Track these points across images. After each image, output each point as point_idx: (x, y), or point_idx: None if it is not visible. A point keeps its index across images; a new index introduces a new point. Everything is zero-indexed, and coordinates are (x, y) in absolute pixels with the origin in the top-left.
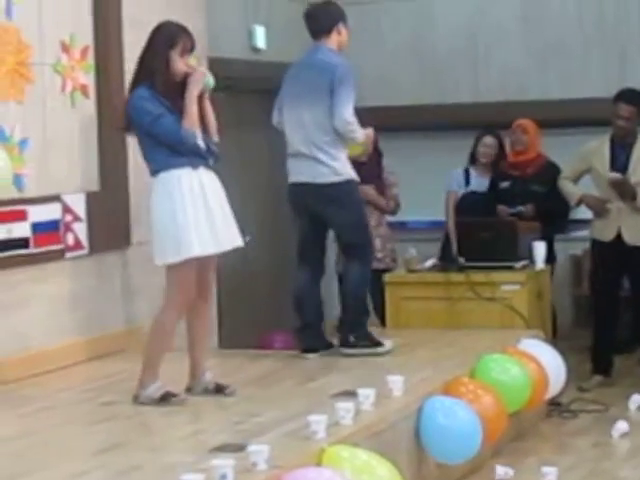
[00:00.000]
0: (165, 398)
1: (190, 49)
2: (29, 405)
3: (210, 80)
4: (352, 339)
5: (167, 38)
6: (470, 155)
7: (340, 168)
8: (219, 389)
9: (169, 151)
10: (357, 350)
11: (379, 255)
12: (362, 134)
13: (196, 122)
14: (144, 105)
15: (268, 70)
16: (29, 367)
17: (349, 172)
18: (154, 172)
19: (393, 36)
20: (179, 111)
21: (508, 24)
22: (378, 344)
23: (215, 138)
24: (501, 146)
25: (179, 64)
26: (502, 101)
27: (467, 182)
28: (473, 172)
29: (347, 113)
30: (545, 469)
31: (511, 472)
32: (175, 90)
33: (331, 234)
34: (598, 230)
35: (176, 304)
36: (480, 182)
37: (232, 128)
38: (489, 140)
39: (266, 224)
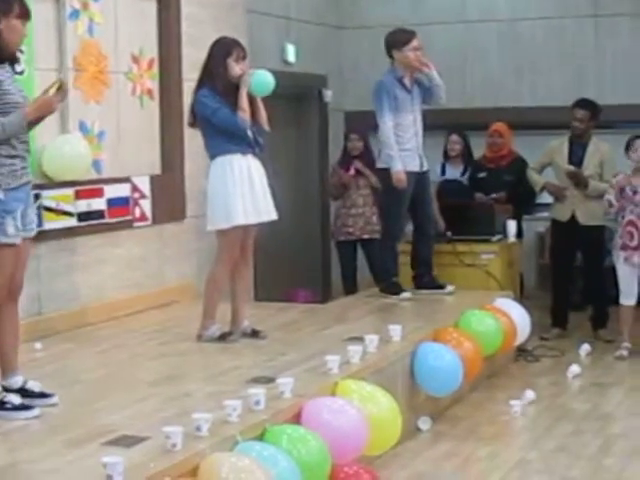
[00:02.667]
0: (223, 337)
1: (243, 57)
2: (103, 344)
3: (253, 78)
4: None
5: (225, 48)
6: (443, 152)
7: None
8: (254, 333)
9: (225, 140)
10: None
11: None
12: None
13: (247, 113)
14: (206, 101)
15: (296, 80)
16: (104, 313)
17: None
18: (212, 156)
19: None
20: (234, 107)
21: (489, 45)
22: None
23: (266, 127)
24: (465, 141)
25: (235, 69)
26: (482, 107)
27: (443, 172)
28: (447, 164)
29: (380, 120)
30: (512, 402)
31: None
32: (231, 90)
33: None
34: (557, 212)
35: (224, 262)
36: (452, 172)
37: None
38: (454, 137)
39: (295, 203)
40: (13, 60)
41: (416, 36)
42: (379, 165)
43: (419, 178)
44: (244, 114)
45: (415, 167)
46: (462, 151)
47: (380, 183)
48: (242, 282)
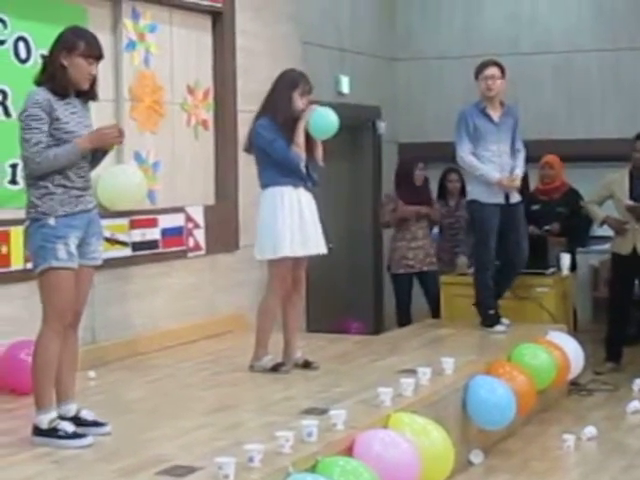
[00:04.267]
0: (275, 367)
1: (308, 91)
2: (156, 373)
3: (313, 115)
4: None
5: (291, 81)
6: None
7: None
8: (306, 364)
9: (277, 171)
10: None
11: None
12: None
13: (302, 149)
14: (263, 132)
15: (350, 110)
16: (157, 342)
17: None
18: (264, 186)
19: (452, 89)
20: (291, 140)
21: (543, 77)
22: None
23: (320, 163)
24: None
25: (298, 102)
26: (535, 139)
27: None
28: None
29: (459, 150)
30: (565, 436)
31: (594, 431)
32: (291, 123)
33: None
34: (617, 245)
35: (275, 292)
36: None
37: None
38: None
39: (348, 234)
40: (84, 94)
41: (492, 66)
42: (469, 197)
43: (506, 210)
44: (298, 150)
45: (499, 199)
46: (521, 185)
47: (469, 216)
48: (294, 313)
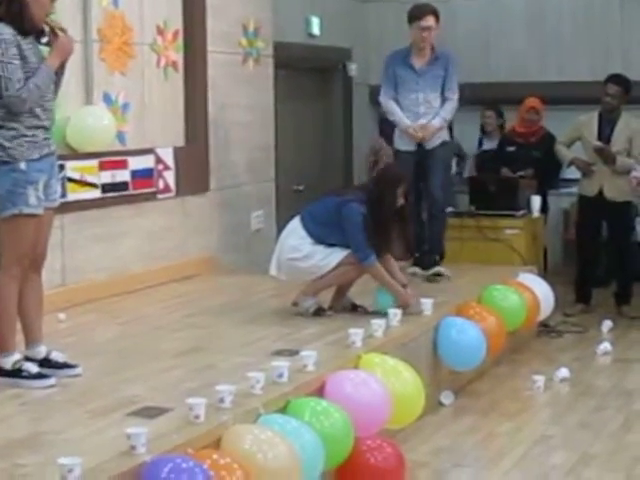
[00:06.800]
0: (317, 312)
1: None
2: (126, 315)
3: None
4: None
5: (394, 179)
6: (480, 126)
7: None
8: (354, 307)
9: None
10: None
11: None
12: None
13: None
14: (358, 219)
15: (321, 52)
16: (127, 285)
17: None
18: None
19: None
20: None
21: (515, 19)
22: None
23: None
24: (501, 115)
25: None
26: (507, 81)
27: (480, 146)
28: (484, 138)
29: (381, 94)
30: (535, 377)
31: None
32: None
33: None
34: (584, 187)
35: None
36: (489, 144)
37: (292, 99)
38: (489, 113)
39: (316, 178)
40: (38, 33)
41: (430, 15)
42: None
43: (422, 156)
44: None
45: (411, 146)
46: (497, 125)
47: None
48: None
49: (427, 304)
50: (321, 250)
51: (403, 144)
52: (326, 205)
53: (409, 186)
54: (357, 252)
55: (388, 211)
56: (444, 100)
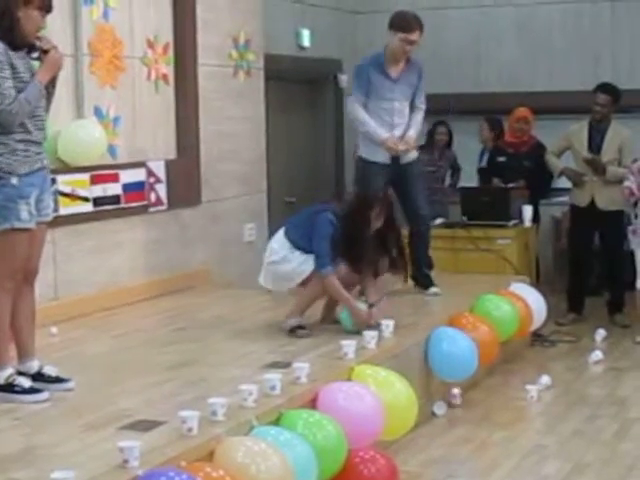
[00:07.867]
0: (293, 330)
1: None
2: (119, 329)
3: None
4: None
5: (367, 201)
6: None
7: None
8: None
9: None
10: None
11: None
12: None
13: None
14: (326, 229)
15: (312, 64)
16: (119, 298)
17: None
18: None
19: None
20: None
21: (505, 29)
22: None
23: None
24: (500, 127)
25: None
26: (497, 92)
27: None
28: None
29: (352, 100)
30: (528, 387)
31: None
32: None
33: None
34: (575, 197)
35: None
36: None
37: (281, 110)
38: (482, 124)
39: (307, 189)
40: (29, 48)
41: (418, 31)
42: (357, 153)
43: (397, 171)
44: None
45: (384, 159)
46: (493, 136)
47: (355, 174)
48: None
49: (388, 326)
50: (298, 255)
51: (374, 155)
52: (306, 213)
53: (389, 211)
54: (316, 259)
55: (358, 230)
56: (412, 109)
